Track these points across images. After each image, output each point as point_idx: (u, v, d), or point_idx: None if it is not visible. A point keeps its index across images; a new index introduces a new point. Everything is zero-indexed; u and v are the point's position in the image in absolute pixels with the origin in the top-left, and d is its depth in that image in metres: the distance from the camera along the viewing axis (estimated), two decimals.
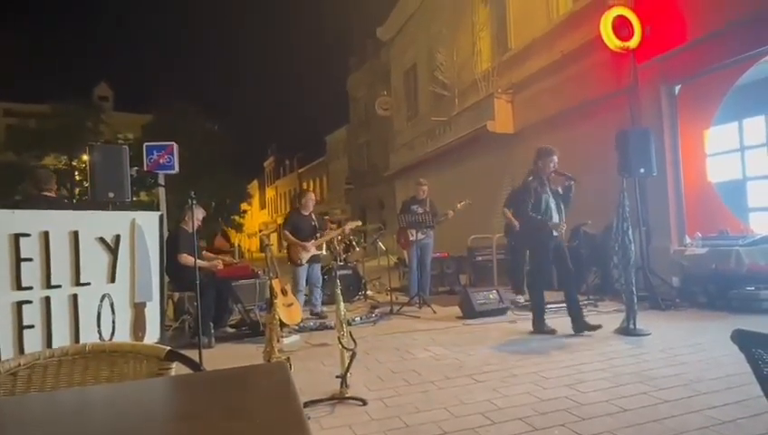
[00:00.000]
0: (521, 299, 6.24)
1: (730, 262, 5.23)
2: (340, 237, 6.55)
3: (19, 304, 2.53)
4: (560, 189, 4.77)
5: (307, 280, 5.96)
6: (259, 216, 54.56)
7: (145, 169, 6.29)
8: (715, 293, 5.36)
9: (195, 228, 4.73)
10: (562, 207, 4.71)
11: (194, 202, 4.45)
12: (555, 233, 4.59)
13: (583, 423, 2.50)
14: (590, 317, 5.08)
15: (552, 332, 4.49)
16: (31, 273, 2.58)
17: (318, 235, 5.86)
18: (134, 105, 34.42)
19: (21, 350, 2.50)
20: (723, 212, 6.31)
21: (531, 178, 4.74)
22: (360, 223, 7.20)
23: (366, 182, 26.32)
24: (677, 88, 6.76)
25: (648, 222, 6.48)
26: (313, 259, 5.79)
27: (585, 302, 5.59)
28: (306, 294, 6.12)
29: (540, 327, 4.58)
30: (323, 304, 6.24)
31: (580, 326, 4.43)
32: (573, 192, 4.73)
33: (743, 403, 2.59)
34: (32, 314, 2.58)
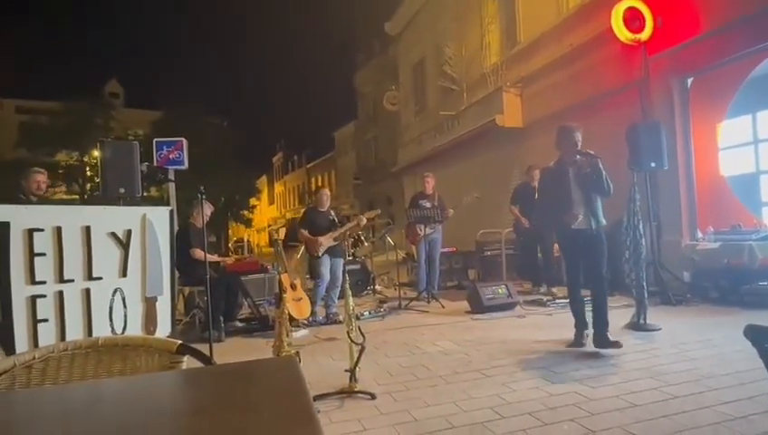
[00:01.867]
0: (555, 290, 6.24)
1: (743, 257, 5.16)
2: (360, 232, 6.42)
3: (33, 299, 2.57)
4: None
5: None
6: (268, 211, 54.78)
7: (155, 164, 6.35)
8: (728, 288, 5.30)
9: (204, 223, 4.78)
10: (594, 194, 3.95)
11: (203, 197, 4.48)
12: (578, 226, 3.90)
13: (593, 418, 2.49)
14: None
15: (580, 345, 3.87)
16: (44, 267, 2.62)
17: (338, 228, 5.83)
18: (144, 102, 34.64)
19: (35, 343, 2.54)
20: (735, 206, 6.23)
21: (551, 164, 4.14)
22: (378, 211, 7.17)
23: (374, 177, 26.30)
24: (689, 81, 6.67)
25: (658, 216, 6.42)
26: (334, 253, 5.74)
27: None
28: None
29: (575, 334, 3.97)
30: None
31: (600, 340, 3.77)
32: (603, 172, 3.90)
33: (755, 399, 2.56)
34: (46, 308, 2.61)
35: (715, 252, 5.58)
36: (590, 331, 3.90)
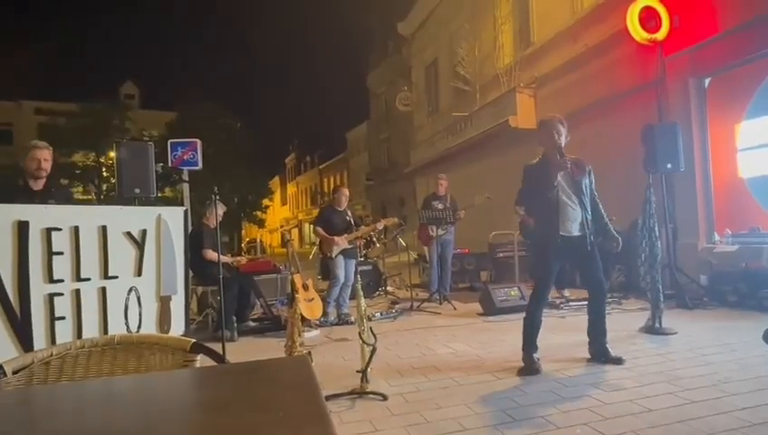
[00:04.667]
0: (566, 293, 6.19)
1: (761, 260, 5.07)
2: (373, 233, 6.39)
3: (51, 296, 2.62)
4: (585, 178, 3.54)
5: None
6: (280, 211, 55.11)
7: (170, 165, 6.43)
8: (746, 292, 5.20)
9: (218, 224, 4.83)
10: (586, 200, 3.50)
11: (217, 198, 4.52)
12: (570, 232, 3.46)
13: (606, 423, 2.46)
14: (615, 315, 5.02)
15: (536, 371, 3.32)
16: (62, 266, 2.66)
17: (354, 229, 5.82)
18: (159, 103, 35.08)
19: (53, 340, 2.58)
20: (754, 208, 6.11)
21: (534, 162, 3.63)
22: (396, 220, 7.16)
23: (386, 178, 26.33)
24: (707, 81, 6.57)
25: (675, 219, 6.33)
26: (348, 254, 5.74)
27: (609, 299, 5.48)
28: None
29: (525, 357, 3.43)
30: None
31: (600, 352, 3.50)
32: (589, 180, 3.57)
33: None
34: (63, 306, 2.66)
35: (733, 255, 5.48)
36: (538, 354, 3.46)
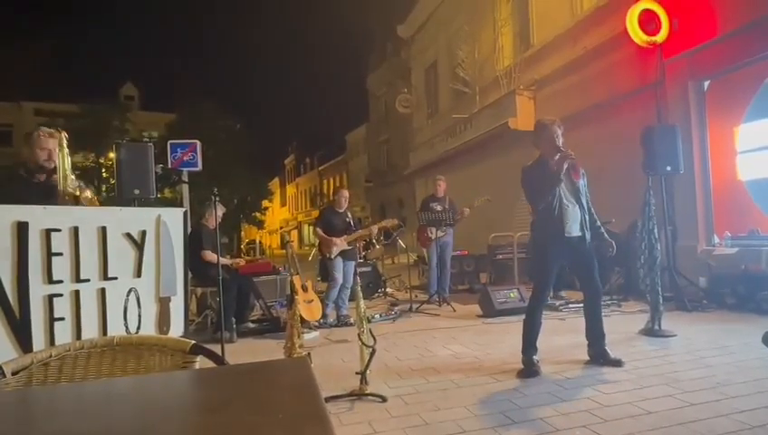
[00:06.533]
0: (563, 294, 6.18)
1: (761, 262, 5.07)
2: (369, 234, 6.38)
3: (50, 297, 2.61)
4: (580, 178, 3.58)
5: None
6: (280, 213, 55.11)
7: (169, 166, 6.43)
8: (745, 294, 5.20)
9: (217, 225, 4.82)
10: (584, 200, 3.55)
11: (217, 199, 4.52)
12: (571, 233, 3.47)
13: (606, 425, 2.46)
14: (614, 317, 5.02)
15: (535, 373, 3.32)
16: (61, 267, 2.65)
17: (353, 231, 5.83)
18: (159, 104, 35.03)
19: (52, 341, 2.57)
20: (753, 211, 6.12)
21: (531, 164, 3.65)
22: (396, 221, 7.16)
23: (385, 180, 26.32)
24: (706, 83, 6.58)
25: (674, 221, 6.34)
26: (347, 256, 5.75)
27: (608, 302, 5.49)
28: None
29: (525, 359, 3.45)
30: None
31: (600, 355, 3.50)
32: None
33: None
34: (62, 307, 2.65)
35: (732, 257, 5.49)
36: (538, 356, 3.47)
